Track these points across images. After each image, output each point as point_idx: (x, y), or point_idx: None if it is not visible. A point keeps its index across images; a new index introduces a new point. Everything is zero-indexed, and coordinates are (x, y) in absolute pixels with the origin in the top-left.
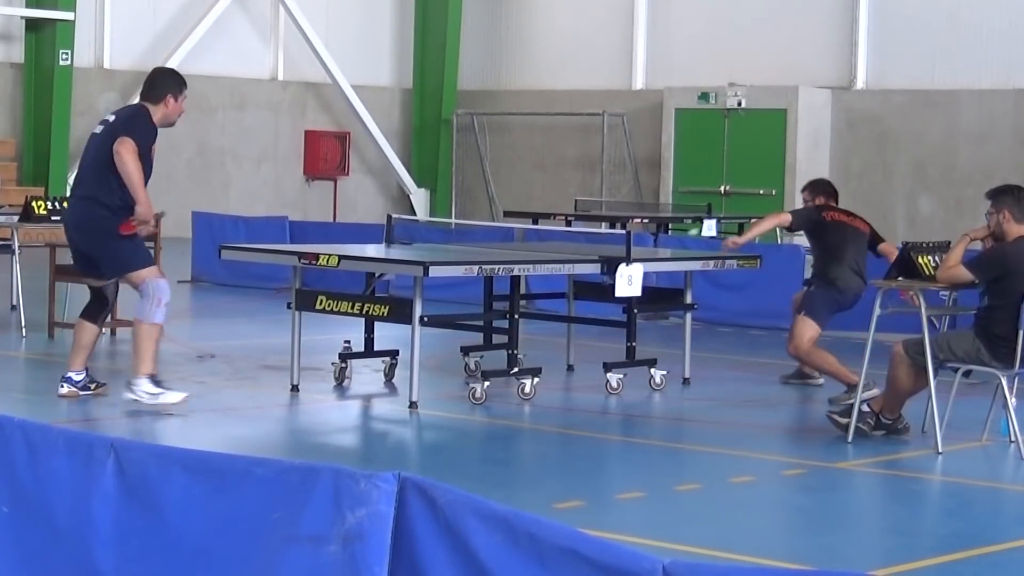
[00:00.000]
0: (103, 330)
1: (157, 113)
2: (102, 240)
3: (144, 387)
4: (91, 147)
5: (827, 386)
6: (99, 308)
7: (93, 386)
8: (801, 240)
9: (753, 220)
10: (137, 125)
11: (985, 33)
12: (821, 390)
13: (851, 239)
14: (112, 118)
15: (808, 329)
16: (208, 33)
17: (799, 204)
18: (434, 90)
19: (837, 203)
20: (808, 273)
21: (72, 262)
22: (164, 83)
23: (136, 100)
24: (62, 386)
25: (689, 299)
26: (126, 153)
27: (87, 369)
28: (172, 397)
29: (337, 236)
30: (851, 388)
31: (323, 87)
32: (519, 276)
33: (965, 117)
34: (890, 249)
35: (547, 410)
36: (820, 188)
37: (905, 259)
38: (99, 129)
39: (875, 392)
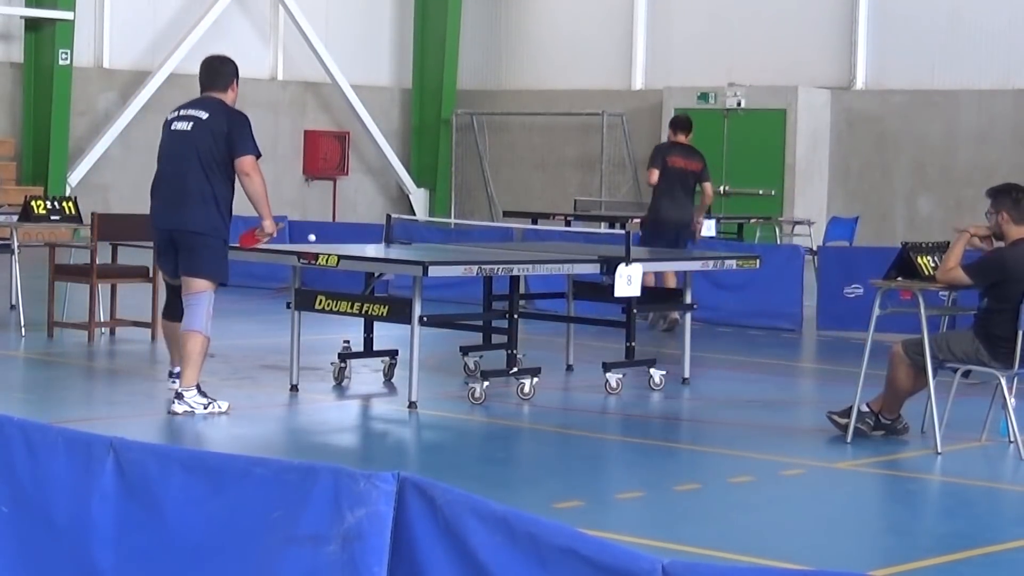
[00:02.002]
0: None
1: (229, 99)
2: (208, 239)
3: (196, 398)
4: (188, 144)
5: (826, 391)
6: (179, 308)
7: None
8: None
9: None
10: (247, 130)
11: (985, 33)
12: (818, 390)
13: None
14: (204, 115)
15: None
16: (208, 33)
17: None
18: (433, 90)
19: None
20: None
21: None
22: (225, 71)
23: (210, 94)
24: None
25: (688, 299)
26: (255, 174)
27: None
28: (223, 405)
29: (337, 236)
30: None
31: (323, 87)
32: (518, 276)
33: (965, 117)
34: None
35: (546, 410)
36: (675, 125)
37: (905, 259)
38: (185, 126)
39: None
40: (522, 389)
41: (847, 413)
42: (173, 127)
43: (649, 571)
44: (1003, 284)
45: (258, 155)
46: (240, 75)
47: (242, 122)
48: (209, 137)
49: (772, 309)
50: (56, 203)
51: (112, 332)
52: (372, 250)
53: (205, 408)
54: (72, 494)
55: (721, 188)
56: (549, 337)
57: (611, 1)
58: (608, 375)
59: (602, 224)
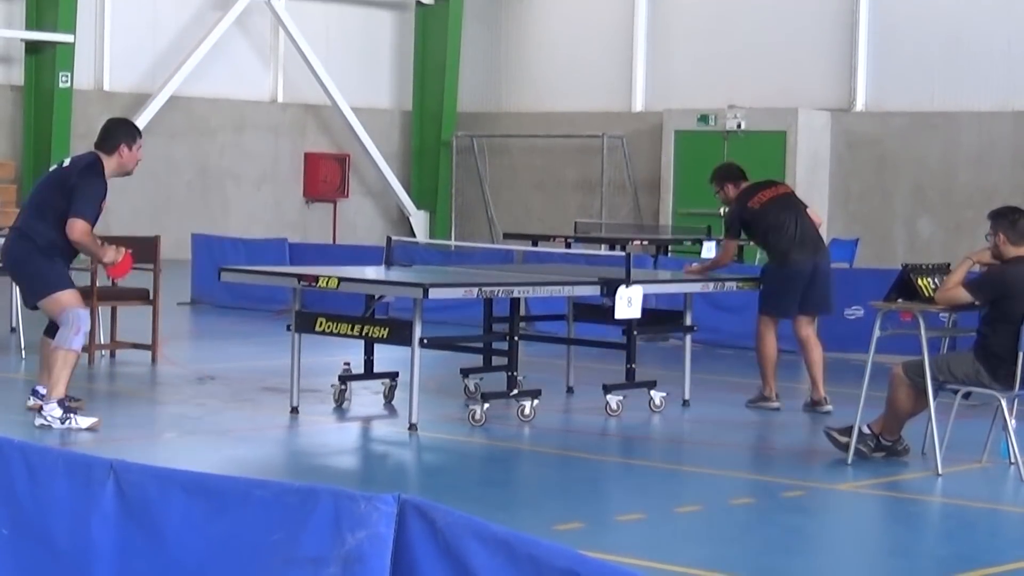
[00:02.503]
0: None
1: (111, 163)
2: (23, 267)
3: (54, 411)
4: (39, 187)
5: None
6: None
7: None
8: None
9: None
10: (91, 187)
11: (984, 56)
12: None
13: (776, 211)
14: (67, 164)
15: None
16: (208, 55)
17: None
18: (434, 112)
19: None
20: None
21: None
22: (116, 133)
23: (93, 150)
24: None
25: (689, 321)
26: (81, 235)
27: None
28: (83, 421)
29: (337, 258)
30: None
31: (323, 109)
32: (519, 298)
33: (964, 139)
34: (815, 216)
35: (547, 432)
36: (726, 176)
37: (905, 281)
38: (52, 169)
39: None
40: (523, 411)
41: (846, 431)
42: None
43: None
44: (1003, 301)
45: (91, 211)
46: (240, 97)
47: (87, 178)
48: (57, 187)
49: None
50: None
51: (112, 354)
52: (372, 272)
53: (60, 423)
54: (72, 516)
55: (721, 210)
56: (549, 359)
57: (611, 23)
58: (609, 397)
59: (602, 246)
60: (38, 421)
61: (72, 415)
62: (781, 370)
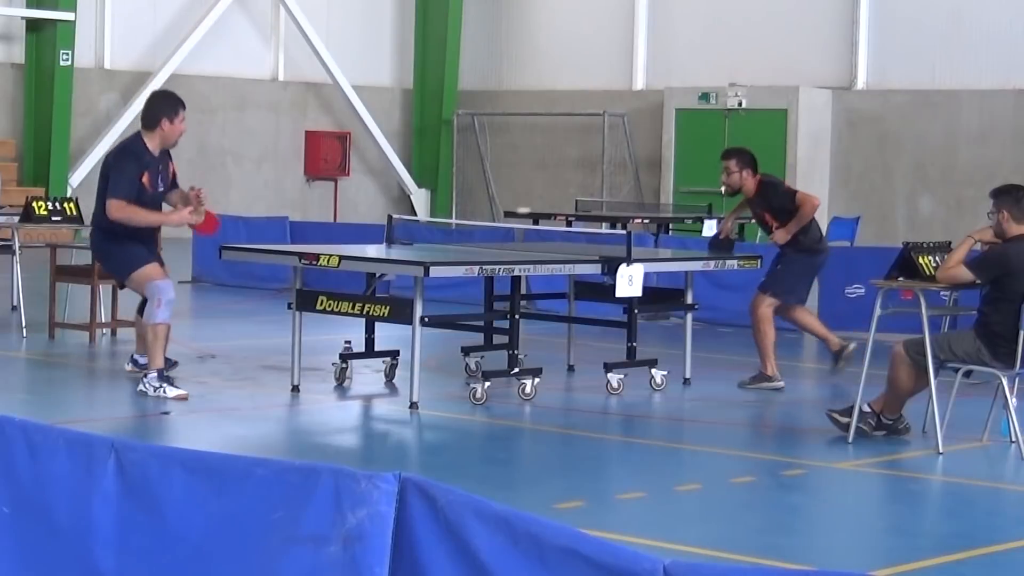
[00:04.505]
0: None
1: (154, 139)
2: (102, 255)
3: (153, 381)
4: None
5: (827, 391)
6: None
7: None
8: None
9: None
10: (117, 167)
11: (985, 33)
12: (819, 390)
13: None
14: (109, 149)
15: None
16: (209, 33)
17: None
18: (435, 90)
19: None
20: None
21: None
22: (156, 108)
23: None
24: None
25: (690, 299)
26: (117, 213)
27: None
28: (171, 391)
29: (338, 236)
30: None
31: (324, 87)
32: (520, 276)
33: (965, 117)
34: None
35: (548, 410)
36: (749, 161)
37: (906, 259)
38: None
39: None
40: (523, 390)
41: (847, 412)
42: None
43: (651, 571)
44: (1004, 279)
45: (127, 187)
46: (240, 76)
47: (120, 158)
48: (103, 176)
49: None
50: (57, 204)
51: (113, 333)
52: (373, 251)
53: (155, 392)
54: (73, 495)
55: (722, 188)
56: (550, 338)
57: (612, 1)
58: (609, 375)
59: (603, 224)
60: (139, 387)
61: (164, 384)
62: (781, 349)
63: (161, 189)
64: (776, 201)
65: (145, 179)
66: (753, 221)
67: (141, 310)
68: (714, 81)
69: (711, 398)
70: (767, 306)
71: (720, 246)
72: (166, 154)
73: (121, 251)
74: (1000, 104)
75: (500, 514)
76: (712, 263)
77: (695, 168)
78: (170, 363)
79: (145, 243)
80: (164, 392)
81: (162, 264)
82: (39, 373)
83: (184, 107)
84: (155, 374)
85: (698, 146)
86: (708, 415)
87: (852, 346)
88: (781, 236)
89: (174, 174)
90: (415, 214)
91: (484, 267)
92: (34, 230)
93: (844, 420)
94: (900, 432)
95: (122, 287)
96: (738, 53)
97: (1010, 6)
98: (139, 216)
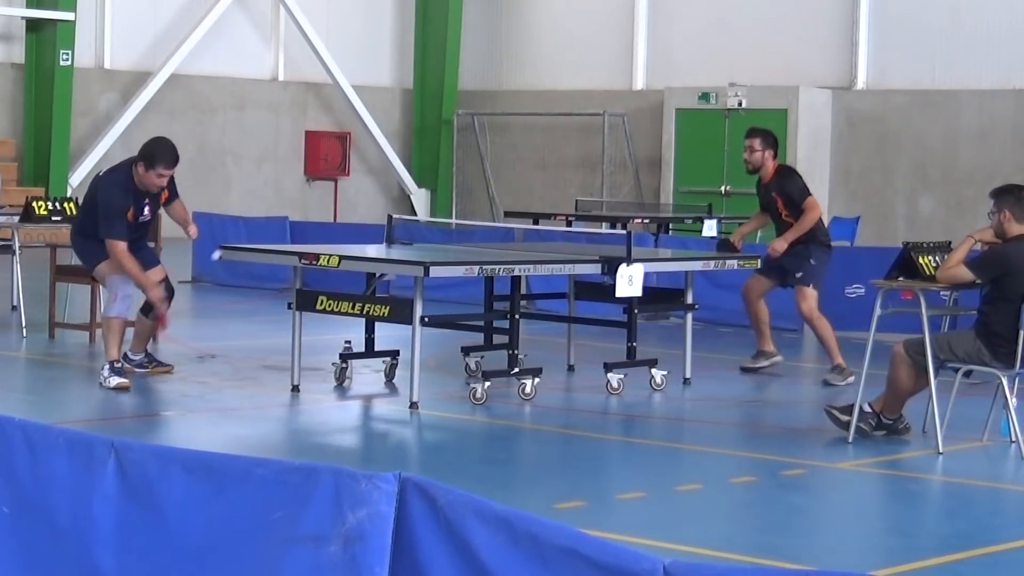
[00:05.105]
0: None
1: (137, 174)
2: (78, 241)
3: (104, 371)
4: (88, 190)
5: (827, 391)
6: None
7: (152, 365)
8: None
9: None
10: (103, 207)
11: (985, 33)
12: (819, 390)
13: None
14: (99, 174)
15: (814, 295)
16: (208, 33)
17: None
18: (435, 90)
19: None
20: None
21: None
22: (142, 150)
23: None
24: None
25: (690, 299)
26: (119, 256)
27: (144, 351)
28: (112, 380)
29: (338, 236)
30: (840, 370)
31: (323, 87)
32: (520, 276)
33: (965, 117)
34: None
35: (548, 410)
36: (773, 141)
37: (906, 259)
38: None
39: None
40: (523, 389)
41: (847, 410)
42: None
43: (650, 571)
44: (1004, 279)
45: (118, 227)
46: (240, 76)
47: (108, 191)
48: (90, 200)
49: (773, 309)
50: (57, 204)
51: None
52: (373, 250)
53: (105, 382)
54: (73, 495)
55: (722, 188)
56: (550, 337)
57: (612, 1)
58: (609, 375)
59: (603, 224)
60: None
61: (109, 374)
62: (794, 348)
63: (144, 219)
64: (789, 187)
65: (129, 215)
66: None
67: (145, 310)
68: (714, 81)
69: (711, 398)
70: (813, 300)
71: (726, 248)
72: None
73: (97, 242)
74: (1000, 104)
75: (500, 514)
76: (712, 263)
77: (695, 168)
78: (136, 362)
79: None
80: (104, 380)
81: (157, 262)
82: (39, 373)
83: (168, 165)
84: (108, 365)
85: (698, 146)
86: (708, 415)
87: (851, 379)
88: (779, 245)
89: (168, 189)
90: (415, 214)
91: (484, 267)
92: (34, 230)
93: (844, 418)
94: (900, 432)
95: (91, 278)
96: (738, 53)
97: (1010, 6)
98: (130, 266)
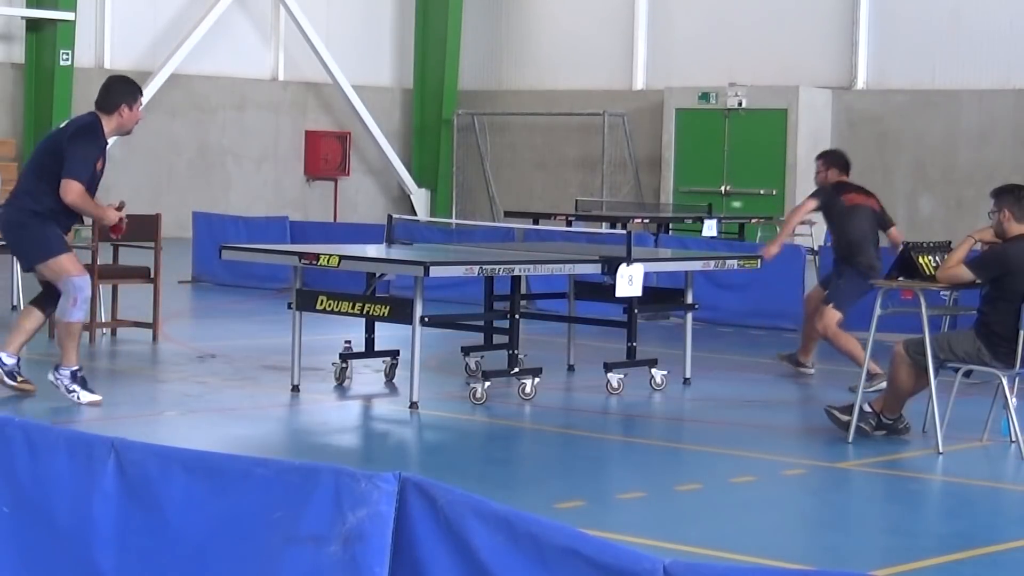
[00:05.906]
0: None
1: (111, 123)
2: (19, 231)
3: (65, 378)
4: (37, 150)
5: (827, 391)
6: (48, 298)
7: (19, 379)
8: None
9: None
10: (81, 148)
11: (985, 33)
12: (819, 390)
13: (869, 220)
14: (64, 125)
15: (834, 315)
16: (209, 33)
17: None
18: (434, 90)
19: (849, 177)
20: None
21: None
22: (117, 92)
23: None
24: None
25: (690, 299)
26: (75, 197)
27: (19, 357)
28: (84, 396)
29: (338, 236)
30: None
31: (324, 87)
32: (520, 276)
33: (965, 117)
34: (897, 236)
35: (548, 410)
36: (834, 160)
37: (906, 259)
38: (51, 132)
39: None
40: (523, 389)
41: (847, 409)
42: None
43: (650, 571)
44: (1004, 279)
45: (83, 170)
46: (240, 76)
47: (82, 136)
48: (54, 148)
49: (773, 309)
50: None
51: (113, 332)
52: (373, 250)
53: (68, 392)
54: (73, 495)
55: (722, 188)
56: (550, 337)
57: (612, 1)
58: (609, 375)
59: (603, 224)
60: (50, 376)
61: (77, 388)
62: (781, 349)
63: (101, 172)
64: (827, 200)
65: (99, 164)
66: (756, 221)
67: (38, 303)
68: (714, 81)
69: (711, 398)
70: (830, 319)
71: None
72: None
73: (39, 233)
74: (1000, 104)
75: (500, 514)
76: (712, 263)
77: (695, 168)
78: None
79: (63, 229)
80: (77, 397)
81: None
82: (39, 373)
83: (142, 94)
84: (68, 372)
85: (698, 146)
86: (708, 415)
87: (881, 384)
88: (772, 250)
89: None
90: (415, 214)
91: (484, 267)
92: None
93: (844, 418)
94: (900, 432)
95: (27, 271)
96: (738, 53)
97: (1010, 6)
98: (89, 206)
